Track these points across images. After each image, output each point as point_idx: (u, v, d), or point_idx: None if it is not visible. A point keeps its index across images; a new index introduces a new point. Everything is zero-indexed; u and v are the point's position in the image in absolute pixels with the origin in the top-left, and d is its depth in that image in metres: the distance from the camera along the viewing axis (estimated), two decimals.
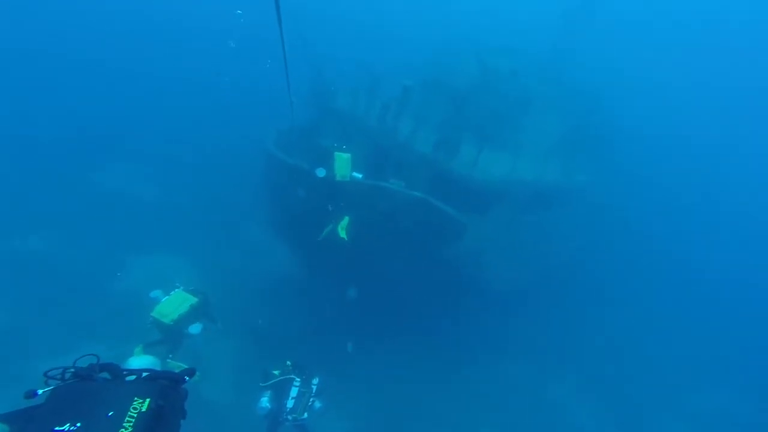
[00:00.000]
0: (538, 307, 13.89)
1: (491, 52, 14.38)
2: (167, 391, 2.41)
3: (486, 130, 10.28)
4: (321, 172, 8.12)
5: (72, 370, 2.43)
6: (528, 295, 12.42)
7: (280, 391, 6.94)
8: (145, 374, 2.57)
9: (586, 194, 12.76)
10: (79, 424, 2.16)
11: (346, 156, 8.29)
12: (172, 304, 7.25)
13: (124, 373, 2.58)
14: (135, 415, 2.19)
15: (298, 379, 7.01)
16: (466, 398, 11.40)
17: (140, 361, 2.82)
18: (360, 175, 8.45)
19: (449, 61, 14.20)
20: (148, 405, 2.23)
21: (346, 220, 8.33)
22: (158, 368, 2.77)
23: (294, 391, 6.90)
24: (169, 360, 7.23)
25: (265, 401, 6.88)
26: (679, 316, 17.54)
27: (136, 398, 2.25)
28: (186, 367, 6.47)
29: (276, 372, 7.10)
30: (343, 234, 8.27)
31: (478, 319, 12.45)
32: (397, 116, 10.18)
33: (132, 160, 18.32)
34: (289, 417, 6.84)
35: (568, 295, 15.22)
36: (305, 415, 6.92)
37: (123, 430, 2.15)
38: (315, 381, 7.14)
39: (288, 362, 7.25)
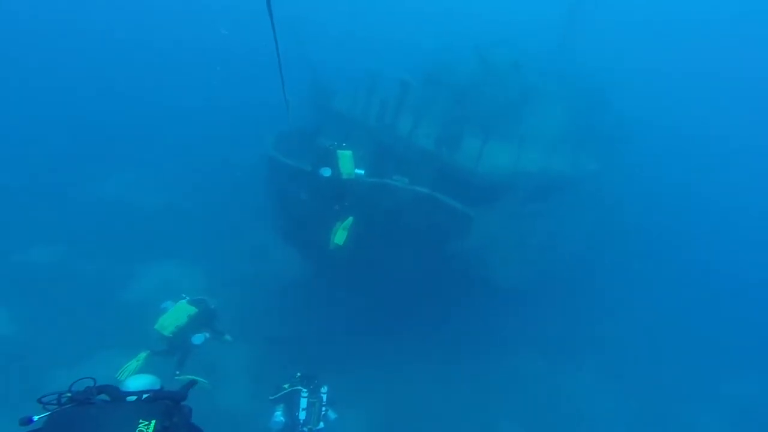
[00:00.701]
0: (551, 299, 13.69)
1: (491, 46, 14.21)
2: (171, 410, 2.36)
3: (489, 122, 10.12)
4: (326, 172, 8.00)
5: (68, 394, 2.36)
6: (540, 286, 12.24)
7: (290, 404, 6.91)
8: (145, 396, 2.51)
9: (595, 183, 12.57)
10: None
11: (348, 153, 8.19)
12: (173, 315, 7.21)
13: (124, 394, 2.52)
14: None
15: (306, 390, 6.96)
16: (484, 393, 11.27)
17: (139, 381, 2.73)
18: (362, 171, 8.35)
19: (448, 56, 14.06)
20: (154, 427, 2.19)
21: (348, 221, 8.19)
22: (158, 387, 2.71)
23: (303, 402, 6.87)
24: (177, 375, 7.15)
25: (279, 416, 6.86)
26: (699, 301, 17.22)
27: (141, 420, 2.20)
28: (200, 380, 6.40)
29: (285, 385, 7.07)
30: (341, 237, 8.11)
31: (490, 313, 12.29)
32: (397, 112, 10.05)
33: (133, 167, 18.39)
34: (305, 429, 6.79)
35: (582, 286, 15.01)
36: (321, 424, 6.87)
37: None
38: (324, 390, 7.09)
39: (298, 374, 7.21)
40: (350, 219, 8.19)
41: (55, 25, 25.70)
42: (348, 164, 8.13)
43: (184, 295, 7.71)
